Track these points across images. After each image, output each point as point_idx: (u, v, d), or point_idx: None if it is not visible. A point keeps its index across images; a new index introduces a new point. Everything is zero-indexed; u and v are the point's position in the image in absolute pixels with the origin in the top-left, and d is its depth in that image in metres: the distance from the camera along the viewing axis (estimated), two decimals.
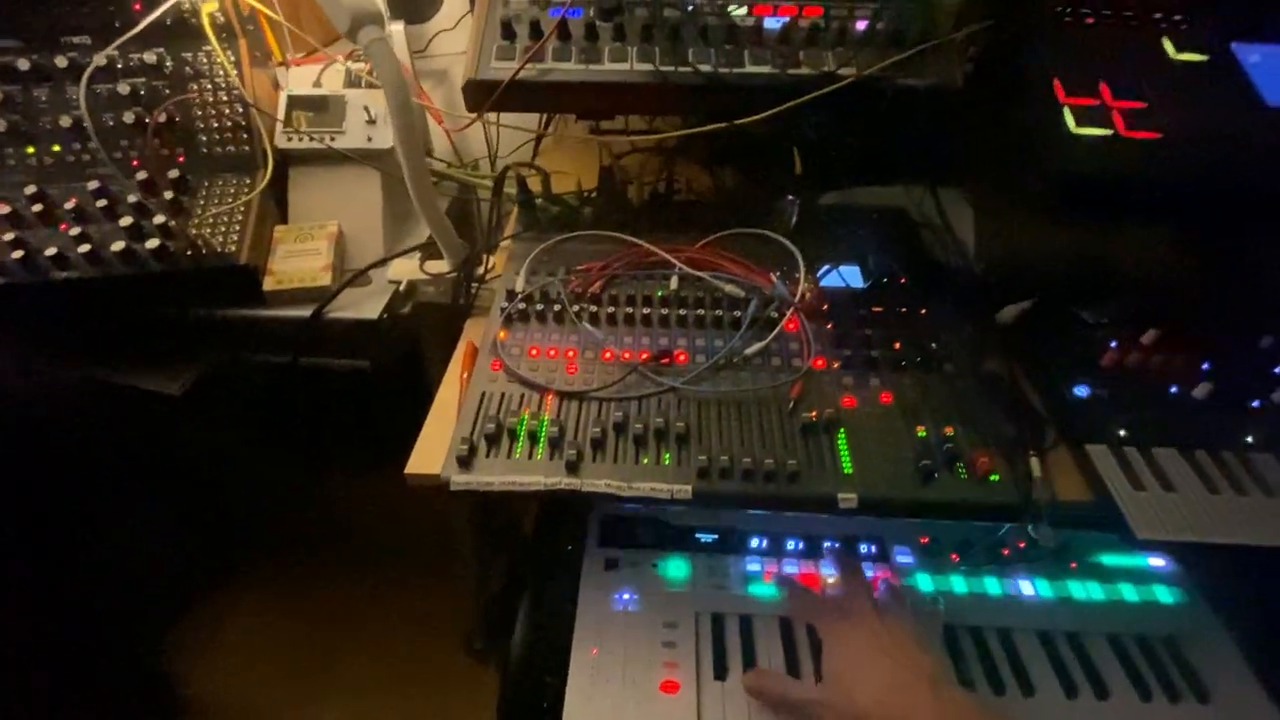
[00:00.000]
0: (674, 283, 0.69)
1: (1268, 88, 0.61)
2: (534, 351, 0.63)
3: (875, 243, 0.71)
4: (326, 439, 1.14)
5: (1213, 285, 0.70)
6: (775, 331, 0.63)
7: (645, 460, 0.54)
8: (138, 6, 0.76)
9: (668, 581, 0.65)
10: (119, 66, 0.76)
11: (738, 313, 0.65)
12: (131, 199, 0.71)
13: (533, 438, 0.55)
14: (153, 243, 0.68)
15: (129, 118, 0.74)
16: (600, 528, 0.70)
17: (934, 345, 0.63)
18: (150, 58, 0.76)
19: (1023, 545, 0.66)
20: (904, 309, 0.66)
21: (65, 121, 0.74)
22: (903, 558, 0.67)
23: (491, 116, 0.76)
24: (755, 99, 0.63)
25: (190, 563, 1.28)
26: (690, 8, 0.68)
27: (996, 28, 0.64)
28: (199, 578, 1.29)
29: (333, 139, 0.78)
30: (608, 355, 0.62)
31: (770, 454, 0.54)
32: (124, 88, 0.74)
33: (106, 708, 1.09)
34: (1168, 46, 0.63)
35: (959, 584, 0.65)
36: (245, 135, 0.77)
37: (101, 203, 0.70)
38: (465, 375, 0.63)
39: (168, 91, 0.76)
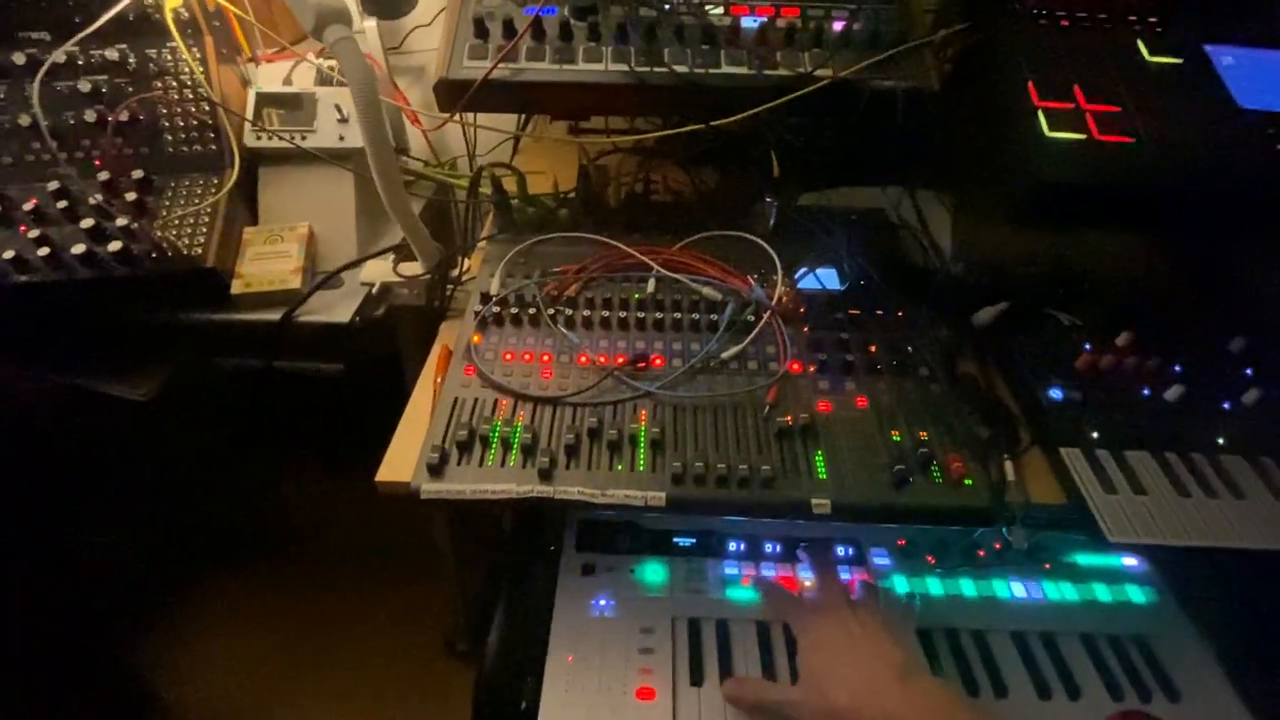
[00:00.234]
0: (651, 285, 0.68)
1: (1241, 91, 0.61)
2: (508, 356, 0.62)
3: (853, 245, 0.70)
4: (302, 443, 1.12)
5: (1186, 287, 0.70)
6: (752, 335, 0.63)
7: (619, 467, 0.54)
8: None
9: (645, 586, 0.65)
10: (80, 63, 0.74)
11: (715, 316, 0.65)
12: (93, 200, 0.69)
13: (505, 444, 0.55)
14: (115, 245, 0.66)
15: (90, 116, 0.72)
16: (578, 532, 0.70)
17: (910, 348, 0.62)
18: (112, 54, 0.74)
19: (998, 546, 0.67)
20: (881, 311, 0.66)
21: (24, 120, 0.72)
22: (879, 560, 0.67)
23: (469, 115, 0.75)
24: (732, 100, 0.63)
25: (164, 569, 1.26)
26: (666, 7, 0.67)
27: (972, 30, 0.64)
28: (173, 584, 1.27)
29: (303, 138, 0.76)
30: (583, 360, 0.61)
31: (745, 459, 0.54)
32: (85, 85, 0.72)
33: (79, 716, 1.07)
34: (1142, 49, 0.63)
35: (935, 586, 0.65)
36: (212, 134, 0.75)
37: (62, 204, 0.68)
38: (438, 380, 0.62)
39: (131, 89, 0.74)
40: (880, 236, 0.75)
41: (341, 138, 0.77)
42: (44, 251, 0.65)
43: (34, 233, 0.67)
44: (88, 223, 0.67)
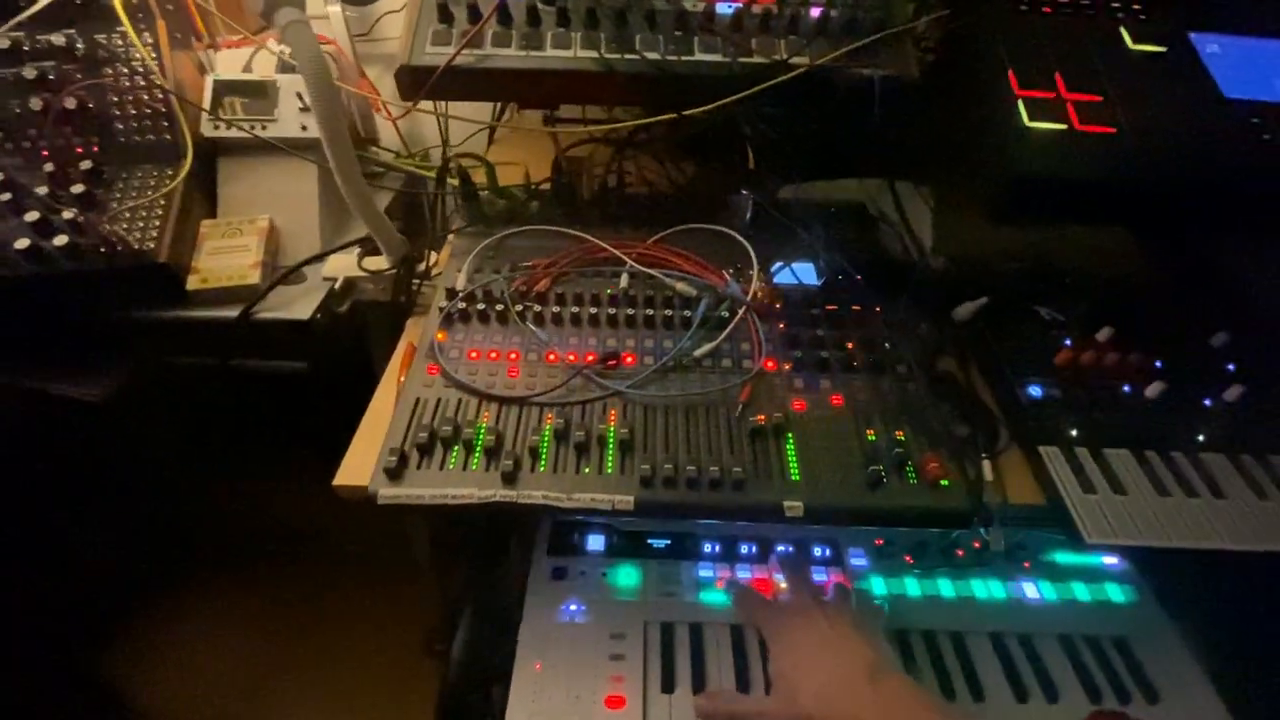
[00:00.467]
0: (624, 280, 0.66)
1: (1226, 79, 0.59)
2: (473, 354, 0.60)
3: (831, 239, 0.68)
4: (266, 443, 1.09)
5: (1168, 281, 0.69)
6: (726, 332, 0.61)
7: (587, 470, 0.52)
8: None
9: (617, 590, 0.63)
10: (26, 49, 0.70)
11: (689, 312, 0.63)
12: (39, 192, 0.66)
13: (468, 447, 0.52)
14: (61, 240, 0.63)
15: (36, 104, 0.69)
16: (550, 534, 0.68)
17: (887, 345, 0.61)
18: (59, 39, 0.70)
19: (977, 546, 0.65)
20: (858, 307, 0.65)
21: None
22: (857, 560, 0.66)
23: (442, 105, 0.73)
24: (705, 88, 0.60)
25: (131, 573, 1.23)
26: None
27: (952, 17, 0.62)
28: (141, 588, 1.23)
29: (264, 127, 0.73)
30: (552, 358, 0.59)
31: (716, 461, 0.52)
32: (30, 72, 0.69)
33: None
34: (1125, 37, 0.61)
35: (912, 586, 0.64)
36: (166, 123, 0.72)
37: (4, 196, 0.64)
38: (401, 379, 0.59)
39: (79, 76, 0.70)
40: (859, 230, 0.74)
41: (304, 127, 0.74)
42: None
43: None
44: (32, 216, 0.63)
